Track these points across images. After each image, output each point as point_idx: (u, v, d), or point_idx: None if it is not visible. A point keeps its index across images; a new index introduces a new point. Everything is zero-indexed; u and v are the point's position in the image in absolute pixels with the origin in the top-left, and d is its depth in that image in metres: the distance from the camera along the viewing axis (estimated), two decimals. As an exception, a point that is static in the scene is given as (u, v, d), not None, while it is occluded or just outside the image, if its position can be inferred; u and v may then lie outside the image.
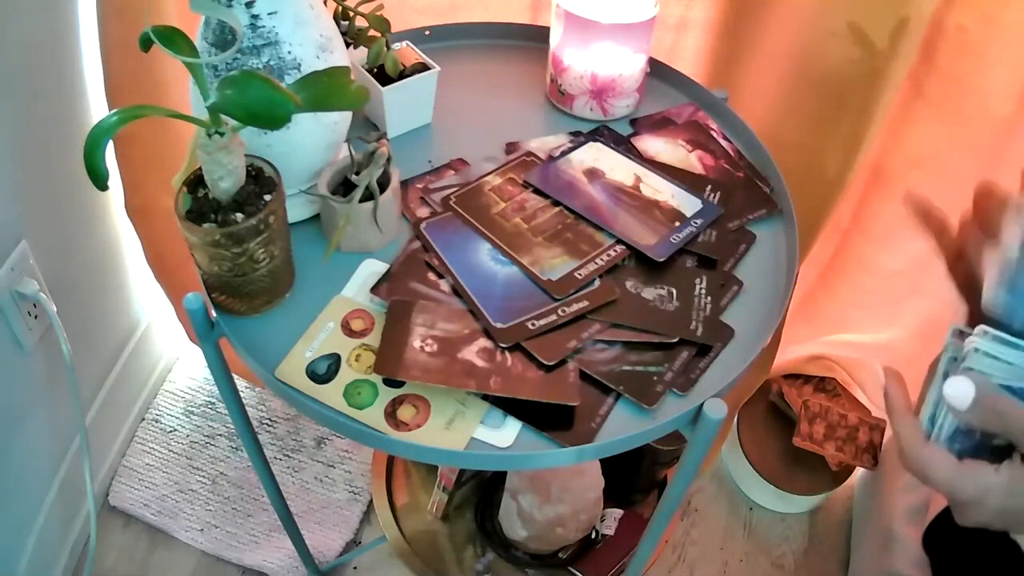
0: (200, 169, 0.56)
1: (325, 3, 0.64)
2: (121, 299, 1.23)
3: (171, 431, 1.32)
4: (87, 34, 0.98)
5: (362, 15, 0.74)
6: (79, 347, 1.08)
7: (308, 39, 0.60)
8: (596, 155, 0.77)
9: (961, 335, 0.50)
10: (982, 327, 0.49)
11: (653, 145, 0.79)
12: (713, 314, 0.64)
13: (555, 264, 0.66)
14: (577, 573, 1.07)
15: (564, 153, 0.77)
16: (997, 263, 0.49)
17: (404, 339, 0.60)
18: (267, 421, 1.35)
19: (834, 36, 0.85)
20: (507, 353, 0.60)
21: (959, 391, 0.47)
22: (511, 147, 0.78)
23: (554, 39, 0.80)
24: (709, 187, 0.75)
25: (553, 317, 0.62)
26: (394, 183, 0.67)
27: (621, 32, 0.75)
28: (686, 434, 0.60)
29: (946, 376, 0.49)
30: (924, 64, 0.86)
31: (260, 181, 0.58)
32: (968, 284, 0.55)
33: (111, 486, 1.24)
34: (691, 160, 0.78)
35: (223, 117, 0.52)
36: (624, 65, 0.78)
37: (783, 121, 0.94)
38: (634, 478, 1.14)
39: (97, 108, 1.03)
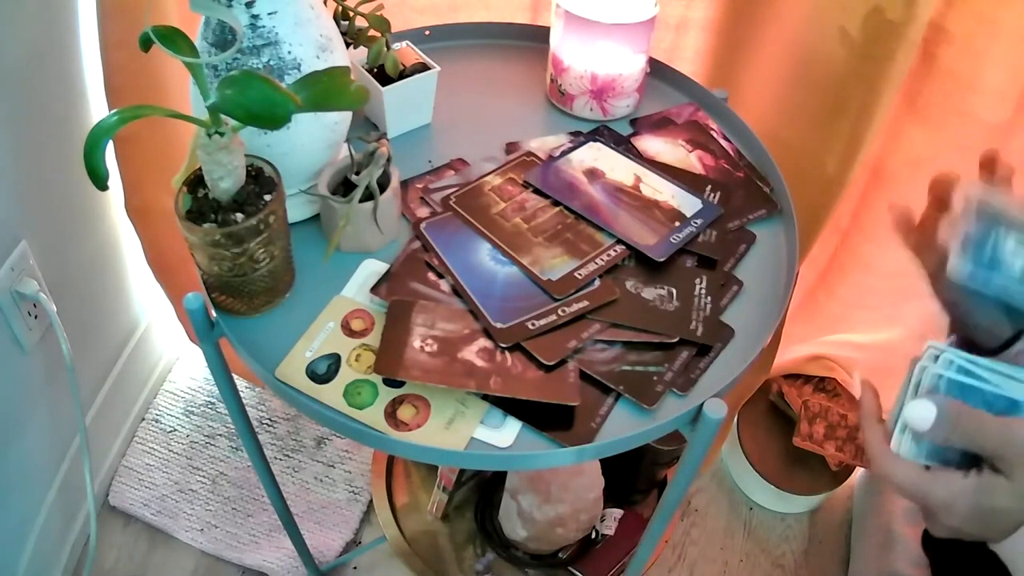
0: (200, 169, 0.56)
1: (325, 3, 0.64)
2: (121, 299, 1.23)
3: (171, 431, 1.32)
4: (87, 34, 0.98)
5: (362, 15, 0.74)
6: (79, 347, 1.08)
7: (308, 39, 0.60)
8: (596, 155, 0.77)
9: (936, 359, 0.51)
10: (931, 344, 0.49)
11: (653, 145, 0.79)
12: (713, 314, 0.64)
13: (555, 264, 0.66)
14: (577, 573, 1.07)
15: (564, 153, 0.77)
16: (954, 235, 0.50)
17: (404, 339, 0.60)
18: (267, 421, 1.35)
19: (834, 36, 0.85)
20: (507, 353, 0.60)
21: (919, 414, 0.48)
22: (511, 147, 0.78)
23: (554, 39, 0.80)
24: (709, 187, 0.75)
25: (553, 317, 0.62)
26: (394, 183, 0.67)
27: (621, 32, 0.75)
28: (686, 434, 0.60)
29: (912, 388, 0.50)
30: (923, 65, 0.86)
31: (260, 181, 0.58)
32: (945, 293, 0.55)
33: (111, 486, 1.24)
34: (691, 160, 0.78)
35: (223, 117, 0.52)
36: (624, 65, 0.78)
37: (783, 121, 0.94)
38: (634, 478, 1.14)
39: (97, 108, 1.03)
